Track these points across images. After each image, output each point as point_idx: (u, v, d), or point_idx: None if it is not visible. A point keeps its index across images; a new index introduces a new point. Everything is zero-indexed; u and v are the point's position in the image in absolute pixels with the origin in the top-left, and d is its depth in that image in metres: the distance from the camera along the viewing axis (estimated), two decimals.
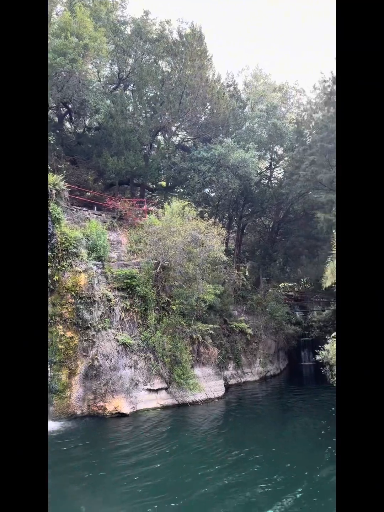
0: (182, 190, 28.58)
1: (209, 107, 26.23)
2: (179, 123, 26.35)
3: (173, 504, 8.57)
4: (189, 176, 25.24)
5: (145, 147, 26.01)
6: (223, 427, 14.82)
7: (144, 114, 25.61)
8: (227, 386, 21.09)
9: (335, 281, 14.02)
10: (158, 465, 10.50)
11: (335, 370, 13.91)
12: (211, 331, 20.33)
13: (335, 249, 14.64)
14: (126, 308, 17.74)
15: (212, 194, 29.52)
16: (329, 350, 14.39)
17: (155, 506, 8.32)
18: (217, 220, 24.53)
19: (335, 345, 13.99)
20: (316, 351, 15.24)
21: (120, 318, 17.45)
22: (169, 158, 25.16)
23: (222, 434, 13.87)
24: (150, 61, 25.55)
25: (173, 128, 27.11)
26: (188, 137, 28.81)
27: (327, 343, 14.98)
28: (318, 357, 14.82)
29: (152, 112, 25.15)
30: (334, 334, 15.23)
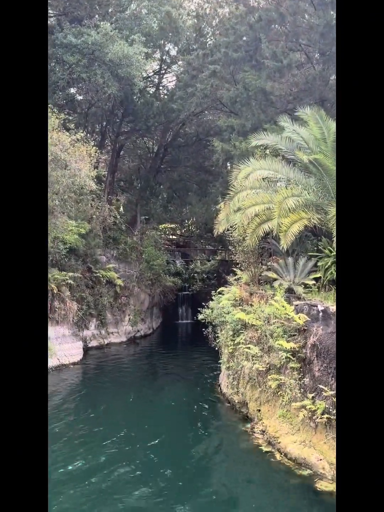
0: None
1: None
2: None
3: None
4: (49, 67, 23.09)
5: None
6: (75, 400, 15.07)
7: None
8: (86, 349, 21.40)
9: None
10: None
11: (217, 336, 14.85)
12: (70, 281, 19.99)
13: (232, 190, 15.07)
14: None
15: (80, 97, 27.73)
16: (214, 308, 15.13)
17: None
18: (87, 134, 23.27)
19: (222, 302, 14.83)
20: (198, 309, 15.97)
21: None
22: None
23: (72, 409, 14.17)
24: None
25: None
26: (51, 12, 25.97)
27: (212, 300, 15.79)
28: (200, 317, 15.54)
29: None
30: (220, 289, 16.14)
